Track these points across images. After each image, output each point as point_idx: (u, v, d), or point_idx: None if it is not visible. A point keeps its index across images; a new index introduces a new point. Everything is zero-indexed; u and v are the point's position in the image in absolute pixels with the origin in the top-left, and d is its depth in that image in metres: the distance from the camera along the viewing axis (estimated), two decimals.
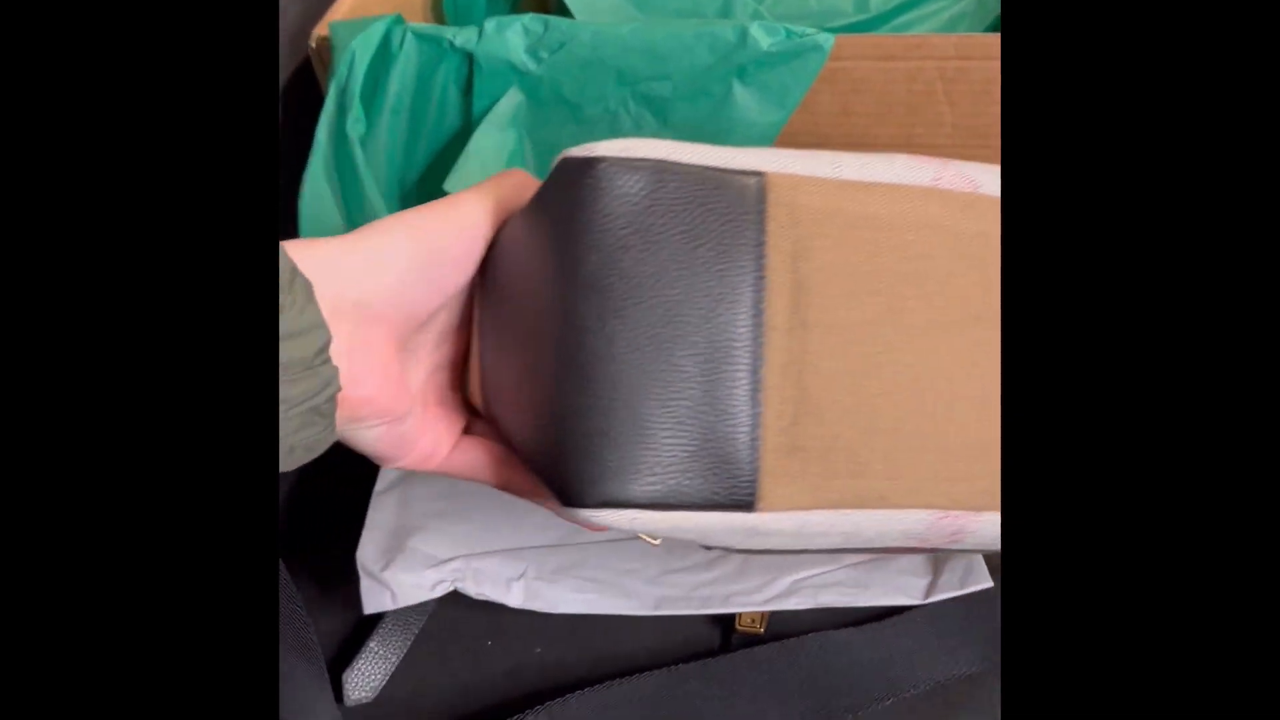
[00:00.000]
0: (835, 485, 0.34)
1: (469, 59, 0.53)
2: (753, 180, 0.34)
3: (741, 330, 0.33)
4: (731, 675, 0.44)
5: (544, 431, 0.34)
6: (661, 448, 0.33)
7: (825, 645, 0.44)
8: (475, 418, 0.41)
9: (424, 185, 0.56)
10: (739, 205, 0.33)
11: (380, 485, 0.53)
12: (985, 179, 0.36)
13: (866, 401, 0.34)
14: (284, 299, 0.30)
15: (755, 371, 0.33)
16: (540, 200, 0.35)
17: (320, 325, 0.31)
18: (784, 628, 0.47)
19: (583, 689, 0.44)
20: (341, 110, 0.53)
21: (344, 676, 0.47)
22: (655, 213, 0.33)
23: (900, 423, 0.34)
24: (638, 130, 0.53)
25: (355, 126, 0.52)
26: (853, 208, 0.34)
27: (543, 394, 0.34)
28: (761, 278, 0.33)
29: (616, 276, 0.33)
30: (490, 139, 0.54)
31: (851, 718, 0.43)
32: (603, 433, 0.33)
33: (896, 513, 0.34)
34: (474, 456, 0.39)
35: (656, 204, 0.33)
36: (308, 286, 0.31)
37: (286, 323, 0.30)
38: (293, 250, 0.32)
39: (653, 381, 0.33)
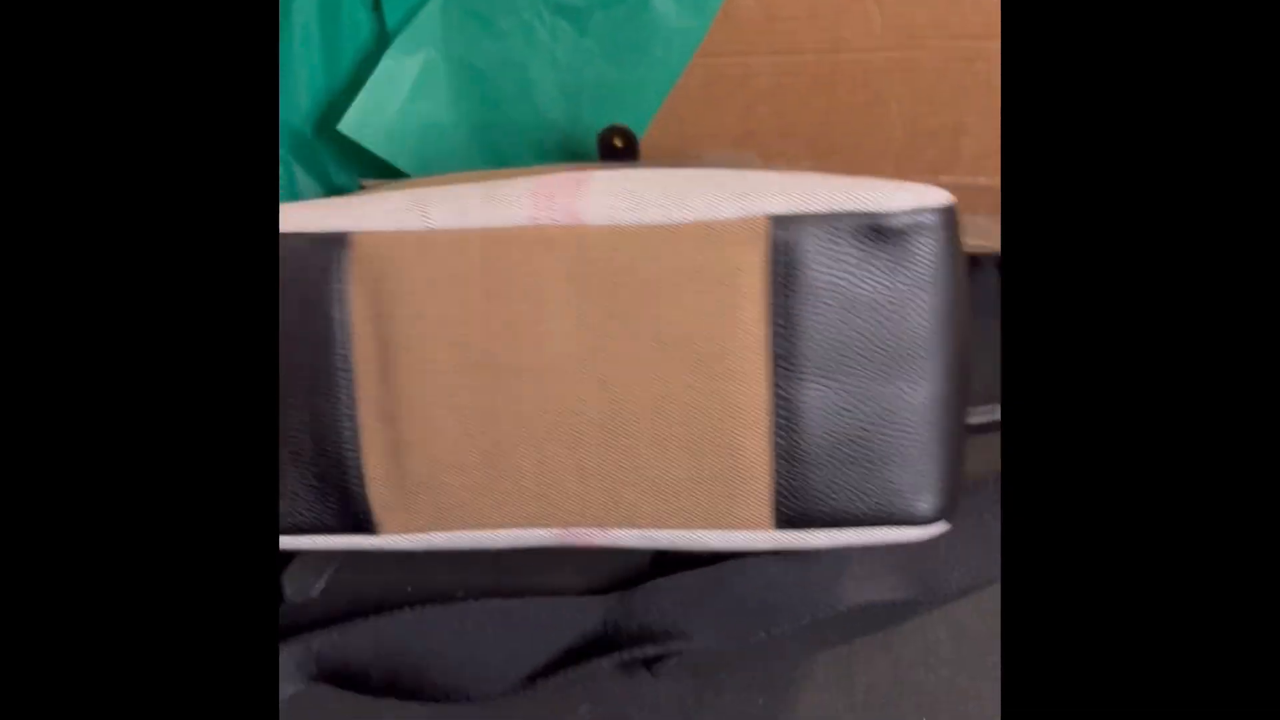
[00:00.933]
0: (446, 513, 0.39)
1: None
2: (337, 242, 0.38)
3: (338, 382, 0.38)
4: (648, 602, 0.42)
5: None
6: (290, 487, 0.39)
7: (743, 568, 0.42)
8: None
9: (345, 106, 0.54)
10: (327, 268, 0.38)
11: None
12: (589, 206, 0.37)
13: (465, 439, 0.38)
14: None
15: (352, 418, 0.38)
16: None
17: None
18: None
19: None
20: None
21: (283, 577, 0.46)
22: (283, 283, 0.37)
23: (500, 456, 0.38)
24: (554, 41, 0.51)
25: None
26: (445, 260, 0.37)
27: None
28: (348, 332, 0.38)
29: None
30: (395, 66, 0.52)
31: (765, 635, 0.40)
32: None
33: (515, 531, 0.39)
34: None
35: (283, 274, 0.37)
36: None
37: None
38: None
39: (284, 431, 0.38)
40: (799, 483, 0.38)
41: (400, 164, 0.55)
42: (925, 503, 0.38)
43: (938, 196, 0.37)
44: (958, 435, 0.39)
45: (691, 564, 0.43)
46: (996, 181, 0.49)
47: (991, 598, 0.43)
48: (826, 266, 0.36)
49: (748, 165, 0.52)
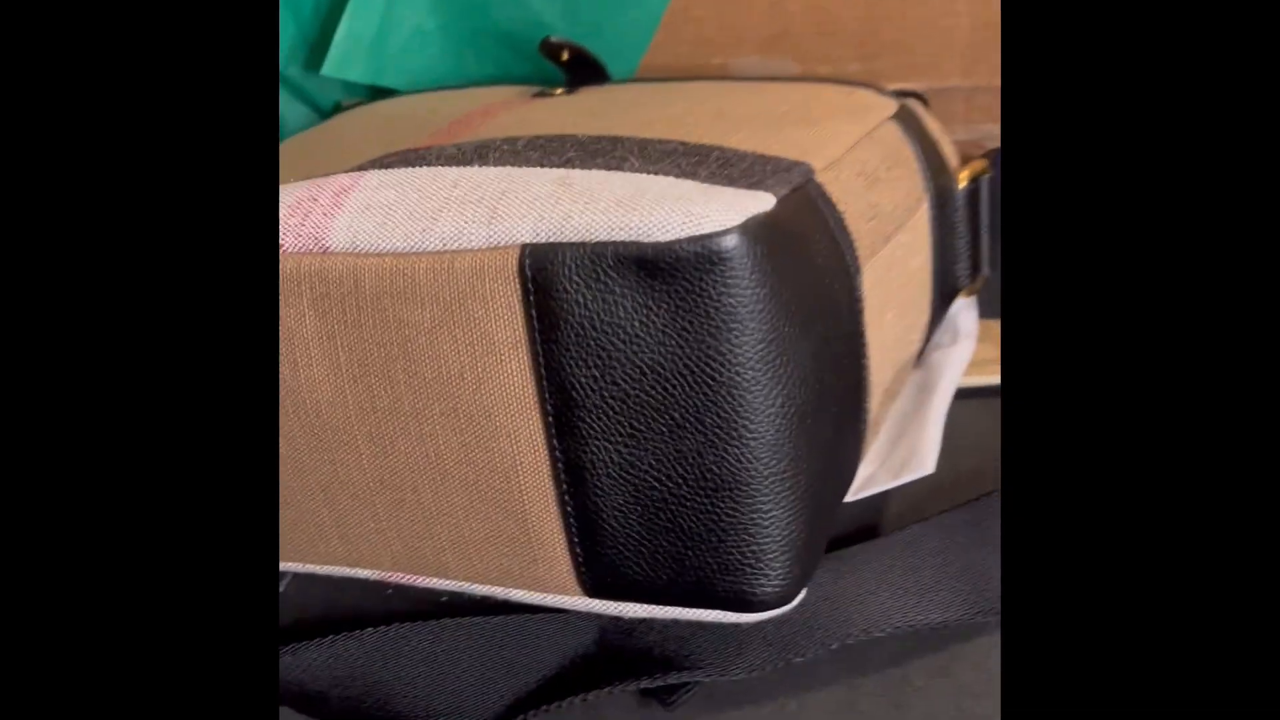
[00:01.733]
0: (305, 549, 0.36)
1: None
2: None
3: None
4: (650, 623, 0.35)
5: None
6: None
7: None
8: None
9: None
10: None
11: None
12: (335, 228, 0.31)
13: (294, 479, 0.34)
14: None
15: None
16: None
17: None
18: None
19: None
20: None
21: None
22: None
23: (296, 504, 0.34)
24: None
25: None
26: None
27: None
28: None
29: None
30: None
31: (785, 664, 0.33)
32: None
33: (338, 567, 0.35)
34: None
35: None
36: None
37: None
38: None
39: None
40: (600, 551, 0.31)
41: (387, 82, 0.48)
42: (758, 583, 0.30)
43: (740, 209, 0.28)
44: (812, 497, 0.30)
45: None
46: None
47: None
48: (592, 310, 0.28)
49: (782, 73, 0.44)
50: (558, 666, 0.36)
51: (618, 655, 0.35)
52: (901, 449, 0.39)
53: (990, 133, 0.43)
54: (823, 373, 0.30)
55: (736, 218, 0.27)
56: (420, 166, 0.32)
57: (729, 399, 0.28)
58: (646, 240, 0.27)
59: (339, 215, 0.31)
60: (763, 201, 0.28)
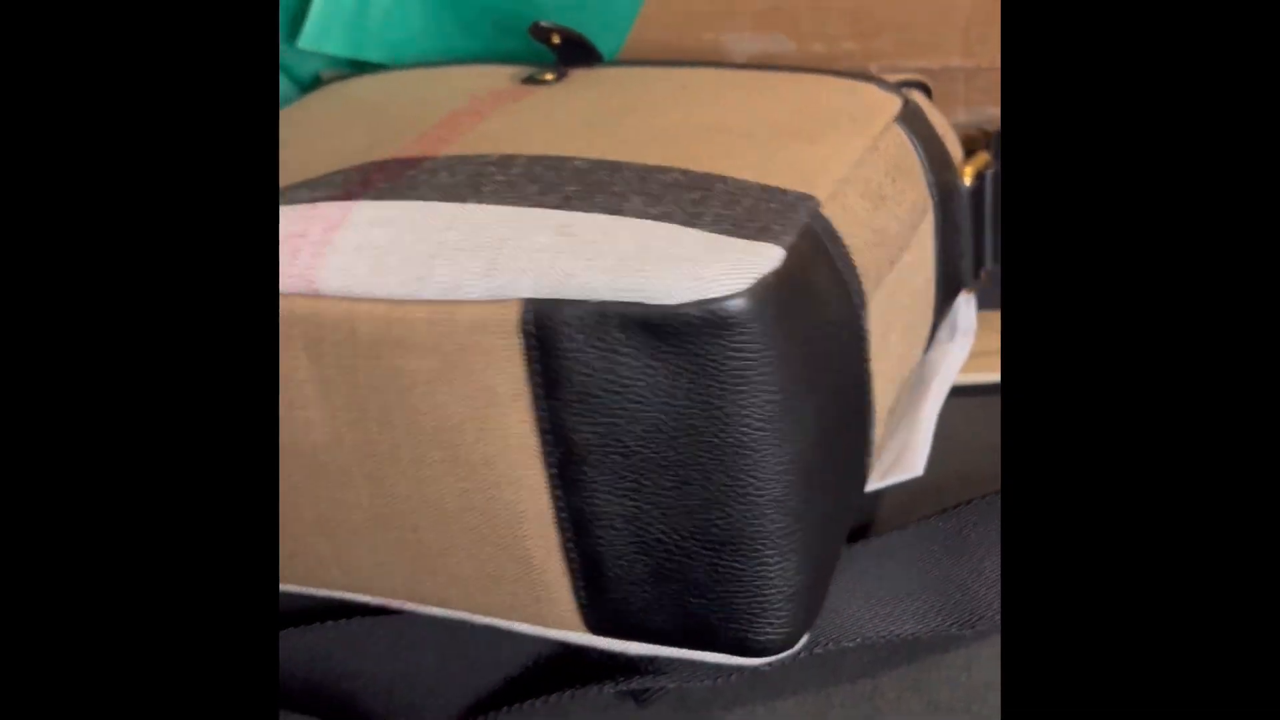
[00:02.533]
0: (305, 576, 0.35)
1: None
2: None
3: None
4: None
5: None
6: None
7: None
8: None
9: None
10: None
11: None
12: (327, 267, 0.29)
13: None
14: None
15: None
16: None
17: None
18: None
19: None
20: None
21: None
22: None
23: (295, 537, 0.33)
24: None
25: None
26: None
27: None
28: None
29: None
30: None
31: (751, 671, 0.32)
32: None
33: (339, 592, 0.35)
34: None
35: None
36: None
37: None
38: None
39: None
40: (604, 594, 0.30)
41: (368, 55, 0.47)
42: (763, 632, 0.30)
43: (748, 269, 0.27)
44: (817, 544, 0.30)
45: None
46: None
47: None
48: (596, 368, 0.28)
49: (778, 48, 0.42)
50: (521, 666, 0.35)
51: (583, 656, 0.34)
52: (890, 450, 0.38)
53: (993, 116, 0.41)
54: (828, 423, 0.29)
55: (745, 280, 0.26)
56: (412, 200, 0.30)
57: (736, 458, 0.27)
58: (652, 303, 0.27)
59: (330, 255, 0.29)
60: (771, 257, 0.27)
